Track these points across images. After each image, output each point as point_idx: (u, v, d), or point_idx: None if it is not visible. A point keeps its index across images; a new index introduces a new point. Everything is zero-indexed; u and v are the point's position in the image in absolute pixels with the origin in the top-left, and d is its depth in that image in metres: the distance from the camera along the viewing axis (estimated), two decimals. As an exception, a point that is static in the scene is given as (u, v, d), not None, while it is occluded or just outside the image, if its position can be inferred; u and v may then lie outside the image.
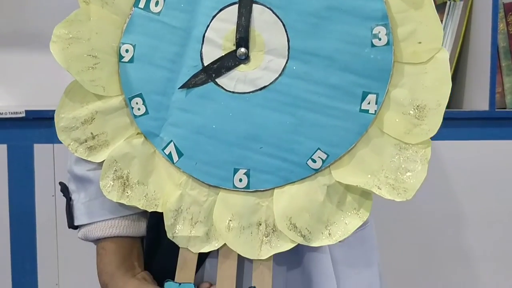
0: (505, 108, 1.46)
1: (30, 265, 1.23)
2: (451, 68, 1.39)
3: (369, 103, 0.58)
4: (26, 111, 1.19)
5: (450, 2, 1.42)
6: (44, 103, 1.32)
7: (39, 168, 1.22)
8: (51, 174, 1.22)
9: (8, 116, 1.17)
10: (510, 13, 1.46)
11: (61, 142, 0.64)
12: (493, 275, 1.36)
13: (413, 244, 1.33)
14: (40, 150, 1.22)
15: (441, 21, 1.40)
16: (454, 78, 1.45)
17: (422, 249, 1.34)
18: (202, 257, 0.64)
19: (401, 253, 1.33)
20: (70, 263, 1.23)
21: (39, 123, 1.20)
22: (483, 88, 1.37)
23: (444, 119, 1.38)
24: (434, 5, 0.57)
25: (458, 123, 1.35)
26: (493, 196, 1.35)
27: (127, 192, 0.62)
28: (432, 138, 1.33)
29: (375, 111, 0.58)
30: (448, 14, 1.42)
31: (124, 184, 0.62)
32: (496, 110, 1.35)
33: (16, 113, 1.19)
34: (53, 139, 1.16)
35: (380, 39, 0.57)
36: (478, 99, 1.39)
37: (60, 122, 0.63)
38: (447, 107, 1.45)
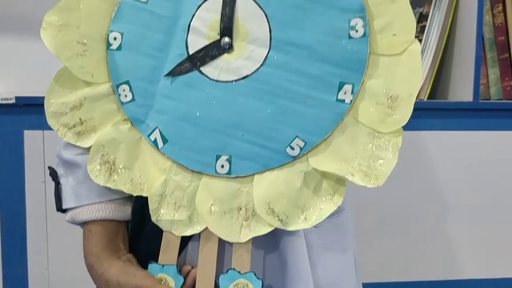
0: (489, 99, 1.49)
1: (20, 249, 1.24)
2: (437, 59, 1.41)
3: (345, 93, 0.60)
4: (16, 97, 1.19)
5: (438, -5, 1.43)
6: (35, 89, 1.33)
7: (29, 154, 1.23)
8: (41, 160, 1.23)
9: (-3, 102, 1.19)
10: (496, 5, 1.48)
11: (51, 129, 0.66)
12: (476, 263, 1.39)
13: (397, 232, 1.36)
14: (30, 136, 1.23)
15: (428, 12, 1.42)
16: (440, 69, 1.47)
17: (406, 238, 1.36)
18: (185, 240, 0.66)
19: (384, 242, 1.35)
20: (59, 248, 1.25)
21: (29, 110, 1.21)
22: (467, 80, 1.39)
23: (429, 109, 1.41)
24: (407, -1, 0.59)
25: (443, 113, 1.38)
26: (478, 185, 1.38)
27: (114, 177, 0.65)
28: (418, 128, 1.35)
29: (351, 101, 0.60)
30: (435, 6, 1.43)
31: (111, 168, 0.65)
32: (480, 101, 1.38)
33: (6, 99, 1.20)
34: (43, 125, 1.17)
35: (357, 31, 0.59)
36: (463, 90, 1.41)
37: (49, 107, 0.65)
38: (432, 97, 1.47)
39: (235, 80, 0.63)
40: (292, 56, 0.61)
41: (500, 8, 1.48)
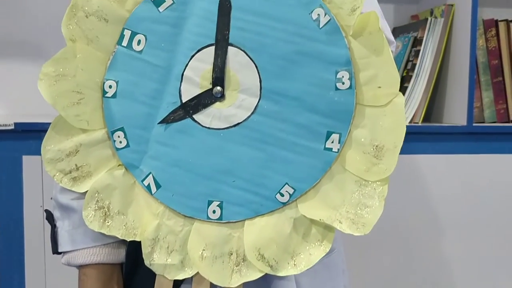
0: (483, 122, 1.50)
1: (18, 273, 1.26)
2: (432, 83, 1.43)
3: (332, 142, 0.62)
4: (15, 123, 1.22)
5: (431, 19, 1.45)
6: (34, 113, 1.35)
7: (28, 179, 1.25)
8: (39, 185, 1.25)
9: (-4, 128, 1.20)
10: (489, 29, 1.50)
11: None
12: (467, 280, 1.41)
13: (392, 253, 1.37)
14: (29, 162, 1.25)
15: (422, 37, 1.44)
16: (434, 92, 1.49)
17: (401, 258, 1.38)
18: (177, 283, 0.68)
19: (381, 260, 1.37)
20: (57, 272, 1.26)
21: (28, 135, 1.23)
22: (461, 103, 1.40)
23: (424, 133, 1.42)
24: (391, 53, 0.61)
25: (437, 137, 1.39)
26: (471, 207, 1.39)
27: (108, 222, 0.66)
28: (413, 152, 1.36)
29: (338, 149, 0.62)
30: (429, 30, 1.45)
31: (105, 214, 0.66)
32: (474, 124, 1.39)
33: (5, 125, 1.22)
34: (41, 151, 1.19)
35: (343, 83, 0.61)
36: (457, 114, 1.42)
37: (46, 154, 0.67)
38: (427, 120, 1.49)
39: (227, 128, 0.65)
40: (282, 106, 0.63)
41: (493, 32, 1.51)
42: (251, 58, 0.64)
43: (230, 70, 0.64)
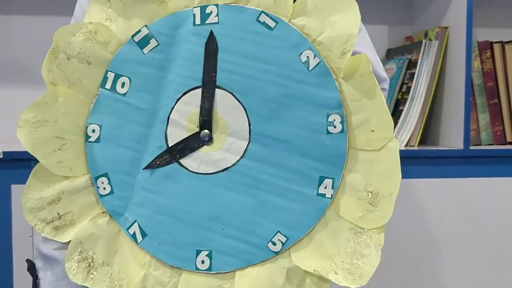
0: (480, 144, 1.49)
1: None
2: (427, 106, 1.42)
3: (325, 187, 0.60)
4: (4, 152, 1.21)
5: (426, 42, 1.44)
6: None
7: (17, 208, 1.23)
8: (28, 215, 1.23)
9: (-16, 157, 1.19)
10: (485, 51, 1.49)
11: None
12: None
13: (391, 276, 1.35)
14: (18, 191, 1.22)
15: (417, 60, 1.43)
16: (430, 115, 1.48)
17: (400, 281, 1.36)
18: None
19: (379, 286, 1.35)
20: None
21: (17, 164, 1.21)
22: (458, 126, 1.39)
23: (420, 157, 1.40)
24: (384, 96, 0.59)
25: (433, 161, 1.38)
26: (468, 231, 1.38)
27: (92, 274, 0.64)
28: (409, 176, 1.34)
29: (332, 195, 0.60)
30: (423, 53, 1.45)
31: (89, 265, 0.64)
32: (471, 147, 1.38)
33: (-7, 154, 1.21)
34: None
35: (335, 127, 0.59)
36: (453, 137, 1.41)
37: (27, 202, 0.65)
38: (424, 143, 1.47)
39: (215, 173, 0.63)
40: (272, 149, 0.61)
41: (489, 54, 1.50)
42: (239, 101, 0.62)
43: (217, 113, 0.63)
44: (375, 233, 0.59)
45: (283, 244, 0.61)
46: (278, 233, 0.61)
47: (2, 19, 1.43)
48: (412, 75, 1.43)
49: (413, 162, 1.36)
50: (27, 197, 0.64)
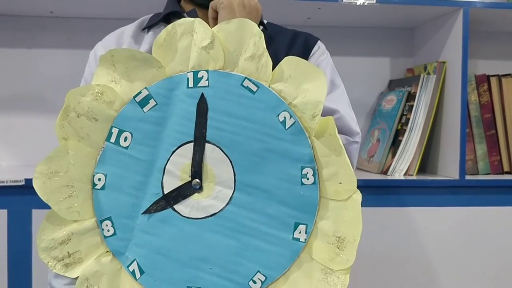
0: (477, 174, 1.53)
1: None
2: (425, 137, 1.47)
3: (300, 232, 0.68)
4: (26, 179, 1.28)
5: (424, 75, 1.49)
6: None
7: (37, 231, 1.30)
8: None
9: (8, 184, 1.27)
10: (482, 84, 1.54)
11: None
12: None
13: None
14: (38, 215, 1.30)
15: (416, 92, 1.48)
16: (429, 146, 1.52)
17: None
18: None
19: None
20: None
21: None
22: (454, 157, 1.43)
23: (418, 187, 1.44)
24: (355, 149, 0.67)
25: (430, 190, 1.41)
26: (464, 259, 1.41)
27: (97, 307, 0.72)
28: (407, 205, 1.38)
29: (305, 239, 0.68)
30: (422, 87, 1.49)
31: (95, 299, 0.72)
32: (467, 176, 1.41)
33: (16, 181, 1.29)
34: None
35: (308, 179, 0.67)
36: (450, 167, 1.45)
37: (41, 243, 0.73)
38: (423, 172, 1.50)
39: (204, 217, 0.70)
40: (254, 197, 0.69)
41: (485, 87, 1.54)
42: (226, 154, 0.70)
43: (207, 164, 0.71)
44: (342, 273, 0.66)
45: (262, 282, 0.69)
46: (258, 273, 0.69)
47: (25, 52, 1.53)
48: (411, 107, 1.48)
49: (411, 191, 1.40)
50: (41, 238, 0.73)
